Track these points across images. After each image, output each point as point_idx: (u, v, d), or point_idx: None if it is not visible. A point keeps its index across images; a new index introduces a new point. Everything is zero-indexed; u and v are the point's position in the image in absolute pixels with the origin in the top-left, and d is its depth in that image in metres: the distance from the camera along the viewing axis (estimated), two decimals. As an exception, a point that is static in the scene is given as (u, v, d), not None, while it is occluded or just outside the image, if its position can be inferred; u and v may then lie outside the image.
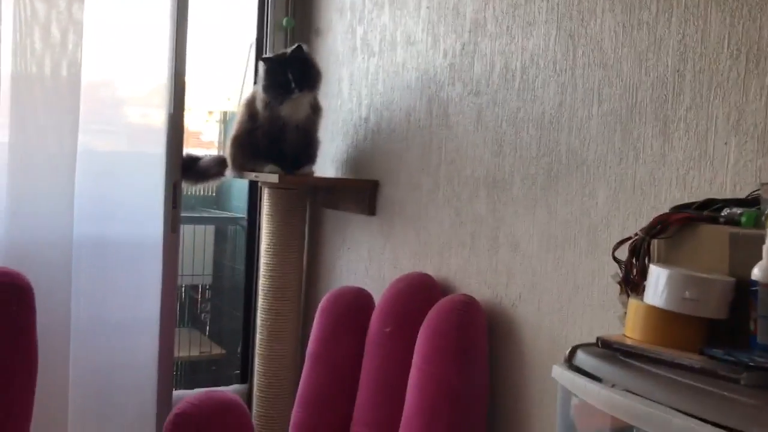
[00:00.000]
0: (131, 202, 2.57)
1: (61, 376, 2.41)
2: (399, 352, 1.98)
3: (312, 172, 2.50)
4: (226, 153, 2.55)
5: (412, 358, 1.90)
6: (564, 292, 1.66)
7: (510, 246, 1.82)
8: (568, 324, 1.65)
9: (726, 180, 1.32)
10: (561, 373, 1.09)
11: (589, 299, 1.60)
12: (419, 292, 2.04)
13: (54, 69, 2.37)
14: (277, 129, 2.38)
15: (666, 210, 1.26)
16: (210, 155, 2.73)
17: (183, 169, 2.62)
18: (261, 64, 2.39)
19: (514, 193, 1.81)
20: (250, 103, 2.46)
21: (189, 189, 4.08)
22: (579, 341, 1.53)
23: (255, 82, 2.53)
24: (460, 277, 2.00)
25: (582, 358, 1.09)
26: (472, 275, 1.95)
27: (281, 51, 2.51)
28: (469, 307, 1.84)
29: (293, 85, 2.31)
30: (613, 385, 1.02)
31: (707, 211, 1.13)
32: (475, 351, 1.81)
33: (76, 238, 2.43)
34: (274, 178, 2.35)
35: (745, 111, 1.29)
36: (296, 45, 2.39)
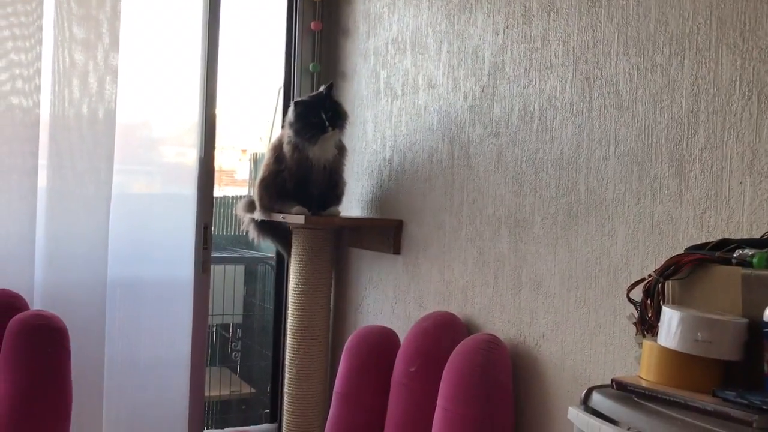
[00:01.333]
0: (163, 243, 2.64)
1: (95, 416, 2.46)
2: (424, 392, 1.99)
3: (338, 213, 2.54)
4: (254, 195, 2.61)
5: (436, 397, 1.91)
6: (586, 331, 1.66)
7: (533, 285, 1.84)
8: (591, 363, 1.65)
9: (743, 219, 1.33)
10: (576, 415, 1.10)
11: (610, 338, 1.60)
12: (444, 331, 2.05)
13: (91, 115, 2.47)
14: (305, 170, 2.44)
15: (683, 249, 1.27)
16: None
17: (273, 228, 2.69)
18: (292, 107, 2.45)
19: (535, 233, 1.83)
20: (277, 147, 2.52)
21: (220, 229, 4.17)
22: (600, 380, 1.54)
23: (282, 126, 2.60)
24: (484, 316, 2.01)
25: (597, 400, 1.10)
26: (496, 314, 1.96)
27: (312, 93, 2.56)
28: (493, 346, 1.85)
29: (327, 123, 2.39)
30: (628, 428, 1.03)
31: (720, 252, 1.13)
32: (499, 391, 1.81)
33: (110, 280, 2.51)
34: (300, 219, 2.40)
35: (759, 151, 1.30)
36: (329, 83, 2.48)
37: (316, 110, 2.40)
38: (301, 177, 2.45)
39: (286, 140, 2.47)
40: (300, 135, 2.41)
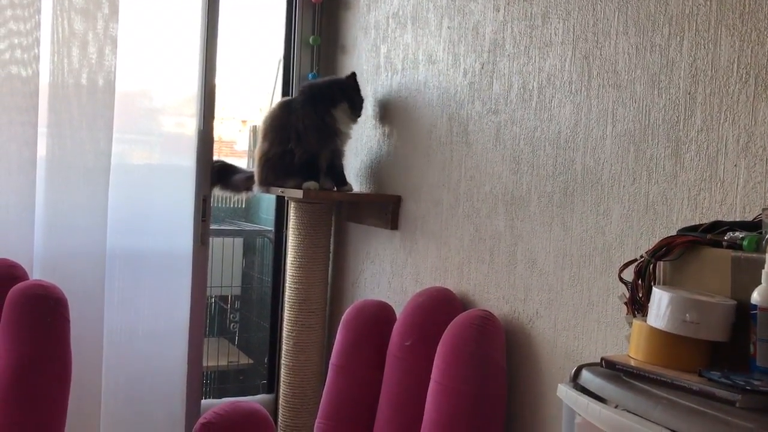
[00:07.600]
0: (162, 214, 2.65)
1: (94, 385, 2.49)
2: (419, 366, 2.02)
3: (351, 188, 2.55)
4: (255, 170, 2.60)
5: (431, 371, 1.93)
6: (579, 309, 1.68)
7: (527, 262, 1.85)
8: (583, 340, 1.67)
9: (736, 201, 1.34)
10: (565, 392, 1.12)
11: (603, 316, 1.62)
12: (439, 306, 2.07)
13: (90, 84, 2.47)
14: (329, 143, 2.50)
15: (677, 230, 1.28)
16: (245, 172, 2.78)
17: (219, 176, 2.72)
18: (347, 83, 2.52)
19: (532, 211, 1.84)
20: (279, 126, 2.51)
21: (219, 202, 4.18)
22: (592, 358, 1.56)
23: (300, 96, 2.56)
24: (479, 292, 2.03)
25: (586, 378, 1.12)
26: (491, 290, 1.98)
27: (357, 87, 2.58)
28: (487, 322, 1.87)
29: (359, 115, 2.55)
30: (615, 406, 1.05)
31: (712, 234, 1.15)
32: (492, 366, 1.84)
33: (109, 250, 2.52)
34: (298, 193, 2.41)
35: (754, 134, 1.30)
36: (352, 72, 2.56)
37: (360, 96, 2.54)
38: (316, 153, 2.47)
39: (309, 118, 2.47)
40: (356, 109, 2.51)
